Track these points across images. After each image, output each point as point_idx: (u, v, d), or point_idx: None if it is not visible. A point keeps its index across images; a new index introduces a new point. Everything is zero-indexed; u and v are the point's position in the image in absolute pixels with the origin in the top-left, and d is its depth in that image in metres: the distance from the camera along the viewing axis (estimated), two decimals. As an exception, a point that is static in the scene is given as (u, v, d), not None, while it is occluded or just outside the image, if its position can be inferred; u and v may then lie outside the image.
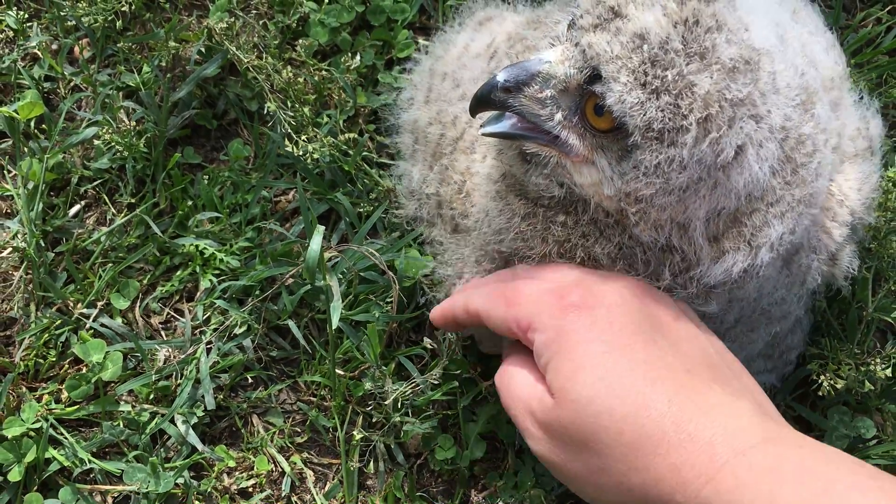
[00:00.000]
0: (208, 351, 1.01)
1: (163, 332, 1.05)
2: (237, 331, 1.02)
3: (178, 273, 1.06)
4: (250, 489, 0.98)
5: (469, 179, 0.87)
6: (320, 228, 0.91)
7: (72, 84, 1.16)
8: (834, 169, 0.84)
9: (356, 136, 1.10)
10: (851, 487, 0.60)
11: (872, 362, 0.95)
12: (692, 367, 0.72)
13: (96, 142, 1.09)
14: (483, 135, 0.75)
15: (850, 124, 0.89)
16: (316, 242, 0.91)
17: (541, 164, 0.74)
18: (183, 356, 1.01)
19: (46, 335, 1.02)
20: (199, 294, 1.06)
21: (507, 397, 0.78)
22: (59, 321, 1.02)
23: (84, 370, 1.00)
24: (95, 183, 1.11)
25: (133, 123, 1.11)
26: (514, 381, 0.77)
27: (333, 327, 0.95)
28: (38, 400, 0.99)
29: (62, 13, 1.16)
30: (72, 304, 1.04)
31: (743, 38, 0.67)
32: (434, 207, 0.95)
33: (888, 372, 0.94)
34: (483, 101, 0.73)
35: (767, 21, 0.71)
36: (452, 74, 0.96)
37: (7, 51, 1.17)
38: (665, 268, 0.75)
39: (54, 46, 1.18)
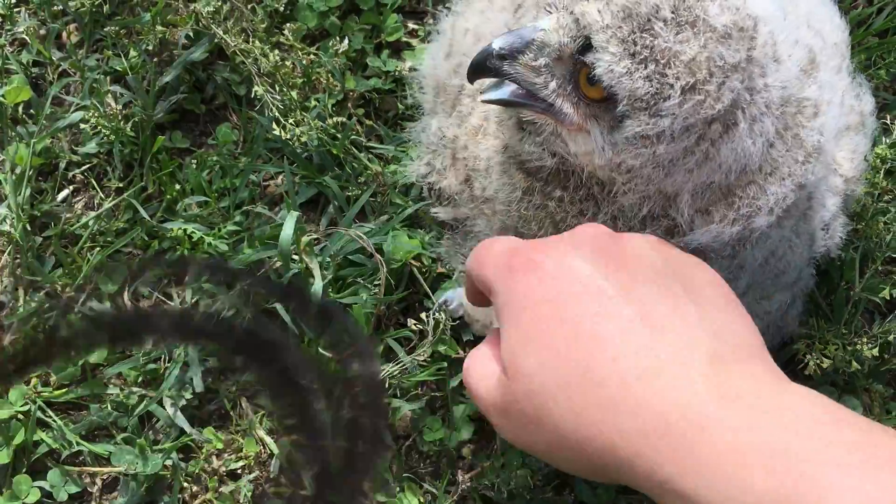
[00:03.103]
0: (196, 334, 1.01)
1: (151, 316, 1.05)
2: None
3: (167, 257, 1.06)
4: (239, 471, 0.98)
5: (486, 124, 0.86)
6: (294, 213, 0.91)
7: (59, 69, 1.16)
8: (839, 128, 0.83)
9: (345, 119, 1.10)
10: (825, 464, 0.54)
11: (859, 342, 0.95)
12: (649, 291, 0.63)
13: (83, 126, 1.09)
14: (483, 101, 0.75)
15: (845, 98, 0.88)
16: (289, 226, 0.90)
17: (535, 132, 0.74)
18: (171, 339, 1.01)
19: (34, 319, 1.02)
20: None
21: (468, 388, 0.69)
22: (46, 305, 1.02)
23: (72, 353, 1.00)
24: (83, 167, 1.11)
25: (120, 108, 1.10)
26: (471, 370, 0.68)
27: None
28: (26, 383, 0.99)
29: (49, -2, 1.16)
30: (60, 289, 1.04)
31: (737, 4, 0.66)
32: (449, 157, 0.94)
33: (875, 351, 0.94)
34: (479, 68, 0.72)
35: None
36: (474, 29, 0.94)
37: (-6, 36, 1.17)
38: (648, 230, 0.74)
39: (42, 31, 1.18)
